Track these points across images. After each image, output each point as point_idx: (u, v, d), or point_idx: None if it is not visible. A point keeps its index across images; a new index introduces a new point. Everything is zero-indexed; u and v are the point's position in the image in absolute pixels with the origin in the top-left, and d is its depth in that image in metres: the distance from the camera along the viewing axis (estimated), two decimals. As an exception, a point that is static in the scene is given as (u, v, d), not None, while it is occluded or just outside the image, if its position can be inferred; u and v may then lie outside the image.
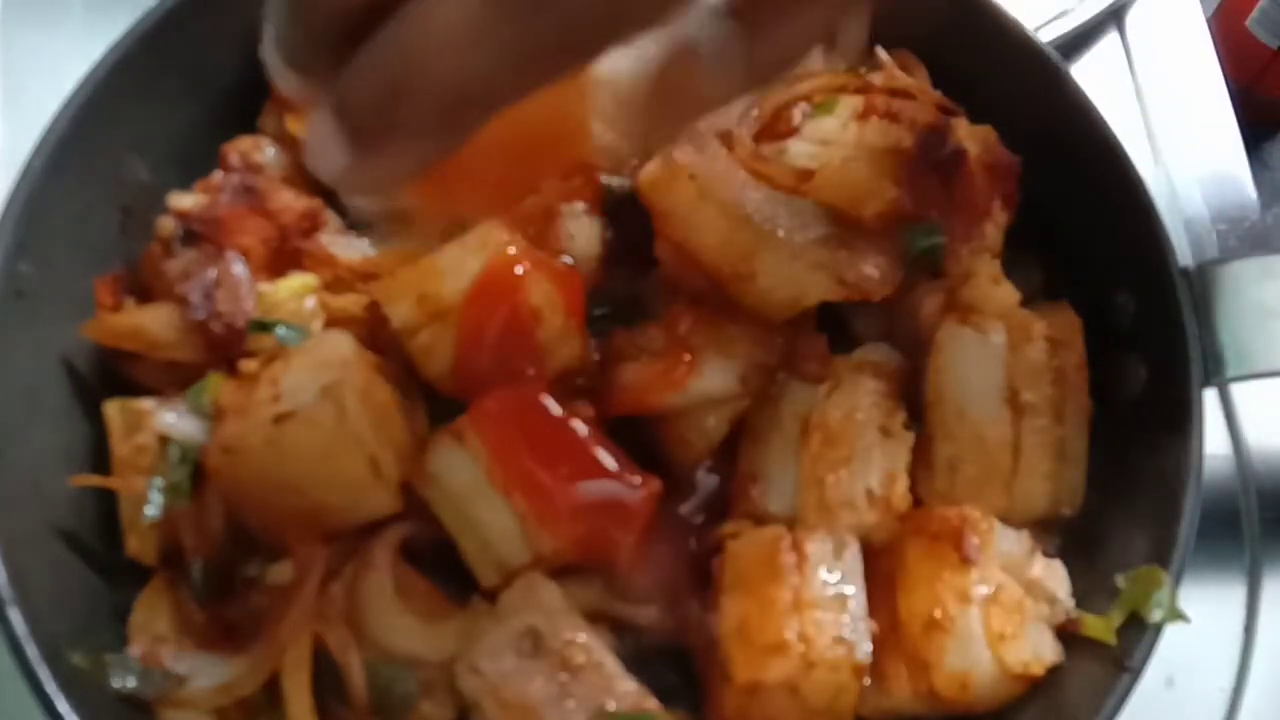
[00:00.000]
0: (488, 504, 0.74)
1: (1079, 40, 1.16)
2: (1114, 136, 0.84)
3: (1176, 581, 0.74)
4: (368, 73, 0.43)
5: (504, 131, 0.48)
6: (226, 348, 0.77)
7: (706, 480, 0.81)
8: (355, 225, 0.86)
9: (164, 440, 0.76)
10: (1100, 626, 0.74)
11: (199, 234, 0.80)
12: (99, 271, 0.81)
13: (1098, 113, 0.85)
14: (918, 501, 0.79)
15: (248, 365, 0.75)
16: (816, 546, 0.74)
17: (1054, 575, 0.76)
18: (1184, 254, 1.05)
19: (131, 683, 0.72)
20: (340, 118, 0.44)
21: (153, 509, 0.74)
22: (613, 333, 0.80)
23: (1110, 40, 1.19)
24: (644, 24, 0.45)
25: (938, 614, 0.72)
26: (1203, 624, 0.75)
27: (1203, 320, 0.79)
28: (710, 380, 0.78)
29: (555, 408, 0.75)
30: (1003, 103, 0.87)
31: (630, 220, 0.83)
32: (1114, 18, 1.19)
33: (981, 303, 0.81)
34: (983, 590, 0.72)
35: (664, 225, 0.80)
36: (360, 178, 0.45)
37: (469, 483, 0.74)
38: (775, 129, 0.85)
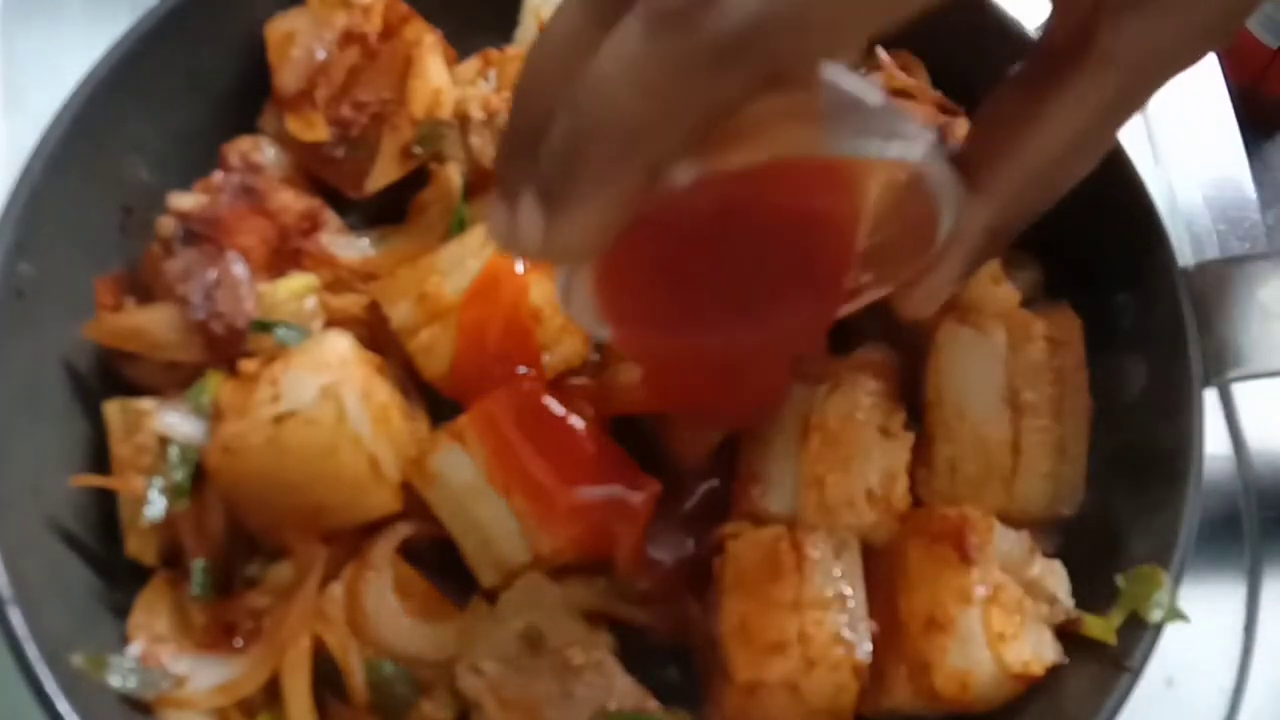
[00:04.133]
0: (488, 504, 0.74)
1: (1079, 40, 1.16)
2: (1114, 137, 0.84)
3: (1176, 581, 0.74)
4: (552, 140, 0.47)
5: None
6: (226, 348, 0.77)
7: (706, 480, 0.81)
8: (355, 225, 0.86)
9: (164, 440, 0.76)
10: (1100, 626, 0.74)
11: (199, 234, 0.80)
12: (99, 271, 0.81)
13: (1098, 113, 0.85)
14: (918, 501, 0.79)
15: (248, 365, 0.75)
16: (816, 546, 0.73)
17: (1054, 575, 0.76)
18: (1184, 254, 1.05)
19: (131, 683, 0.72)
20: (537, 189, 0.48)
21: (153, 509, 0.74)
22: (612, 332, 0.80)
23: (1110, 40, 1.19)
24: (815, 59, 0.47)
25: (938, 614, 0.72)
26: (1203, 624, 0.75)
27: (1203, 320, 0.79)
28: (710, 380, 0.78)
29: (555, 408, 0.76)
30: (1003, 103, 0.87)
31: (630, 220, 0.83)
32: (1114, 18, 1.19)
33: (981, 303, 0.81)
34: (982, 590, 0.72)
35: (664, 225, 0.80)
36: (557, 240, 0.49)
37: (469, 483, 0.74)
38: (775, 129, 0.85)
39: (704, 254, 0.58)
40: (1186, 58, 0.57)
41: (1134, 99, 0.59)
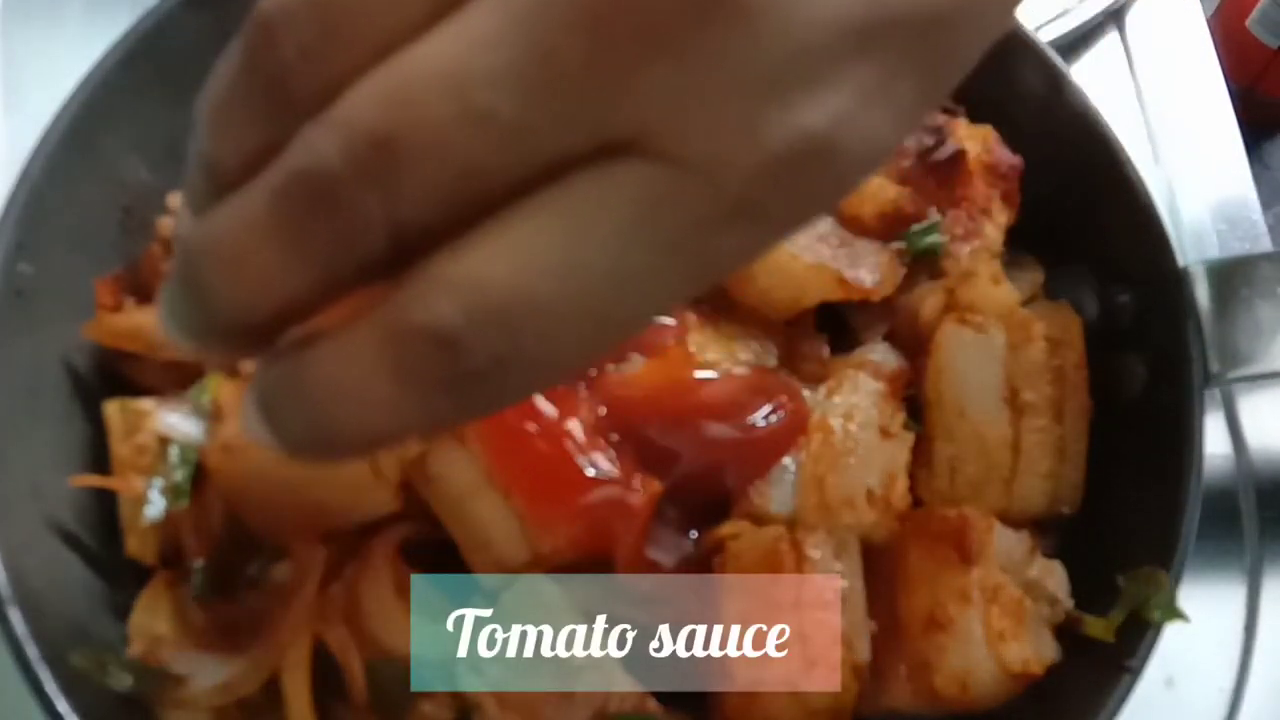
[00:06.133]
0: (488, 504, 0.74)
1: (1079, 40, 1.16)
2: (1114, 137, 0.84)
3: (1176, 581, 0.74)
4: (290, 408, 0.36)
5: None
6: (227, 348, 0.77)
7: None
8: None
9: (164, 440, 0.76)
10: (1100, 626, 0.74)
11: (199, 234, 0.80)
12: (99, 271, 0.81)
13: (1098, 113, 0.85)
14: (918, 501, 0.79)
15: (248, 365, 0.75)
16: (816, 547, 0.73)
17: (1053, 575, 0.76)
18: (1184, 254, 1.05)
19: (131, 683, 0.72)
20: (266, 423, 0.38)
21: (153, 509, 0.74)
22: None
23: (1110, 40, 1.19)
24: None
25: (938, 614, 0.72)
26: (1203, 624, 0.75)
27: (1203, 320, 0.79)
28: (710, 380, 0.78)
29: (554, 409, 0.75)
30: (1003, 103, 0.87)
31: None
32: (1114, 18, 1.19)
33: (981, 303, 0.81)
34: (982, 591, 0.72)
35: (664, 225, 0.80)
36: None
37: (469, 483, 0.74)
38: (775, 129, 0.85)
39: None
40: None
41: None
